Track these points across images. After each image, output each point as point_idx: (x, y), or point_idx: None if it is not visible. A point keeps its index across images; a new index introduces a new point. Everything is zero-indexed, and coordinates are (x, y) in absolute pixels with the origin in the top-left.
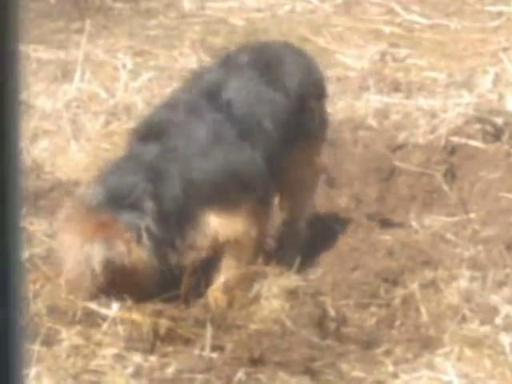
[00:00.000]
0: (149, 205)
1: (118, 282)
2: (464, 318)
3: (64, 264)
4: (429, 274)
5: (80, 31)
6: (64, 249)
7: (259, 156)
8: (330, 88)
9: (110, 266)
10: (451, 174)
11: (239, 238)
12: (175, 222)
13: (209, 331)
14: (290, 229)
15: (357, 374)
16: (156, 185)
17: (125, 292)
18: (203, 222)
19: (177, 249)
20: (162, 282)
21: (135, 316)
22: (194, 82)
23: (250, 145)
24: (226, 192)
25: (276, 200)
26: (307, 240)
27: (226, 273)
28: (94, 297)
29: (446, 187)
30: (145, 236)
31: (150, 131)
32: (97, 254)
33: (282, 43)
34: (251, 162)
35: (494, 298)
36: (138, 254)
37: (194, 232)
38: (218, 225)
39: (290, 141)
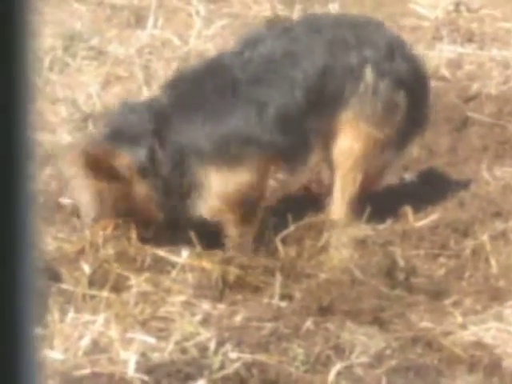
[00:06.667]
0: (148, 141)
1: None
2: None
3: (75, 197)
4: (499, 225)
5: None
6: (73, 183)
7: (271, 112)
8: (403, 37)
9: (114, 195)
10: None
11: (238, 196)
12: (174, 168)
13: (278, 280)
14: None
15: (425, 324)
16: (158, 126)
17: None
18: (201, 176)
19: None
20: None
21: (204, 263)
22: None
23: (256, 111)
24: (227, 147)
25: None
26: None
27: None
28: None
29: None
30: (144, 169)
31: (170, 84)
32: (100, 184)
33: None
34: (257, 117)
35: None
36: (139, 185)
37: (191, 184)
38: (216, 182)
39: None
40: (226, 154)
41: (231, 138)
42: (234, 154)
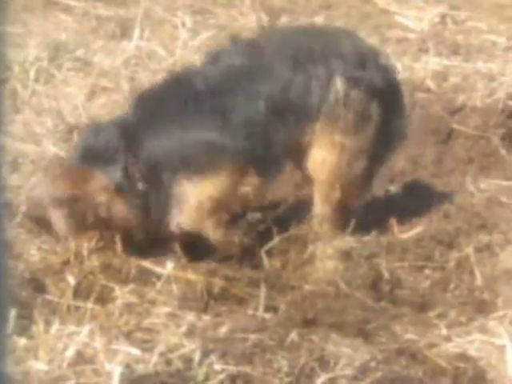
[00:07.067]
0: (121, 158)
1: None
2: None
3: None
4: (484, 237)
5: None
6: (48, 205)
7: (237, 122)
8: (389, 49)
9: (91, 216)
10: (509, 138)
11: (211, 204)
12: (148, 183)
13: (262, 291)
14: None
15: (410, 336)
16: (129, 143)
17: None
18: (174, 186)
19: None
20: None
21: (189, 275)
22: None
23: (219, 122)
24: (198, 156)
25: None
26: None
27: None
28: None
29: (503, 151)
30: (120, 188)
31: (136, 100)
32: (78, 206)
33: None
34: (223, 127)
35: None
36: (117, 204)
37: (167, 198)
38: (189, 190)
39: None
40: (195, 164)
41: (199, 148)
42: (203, 164)
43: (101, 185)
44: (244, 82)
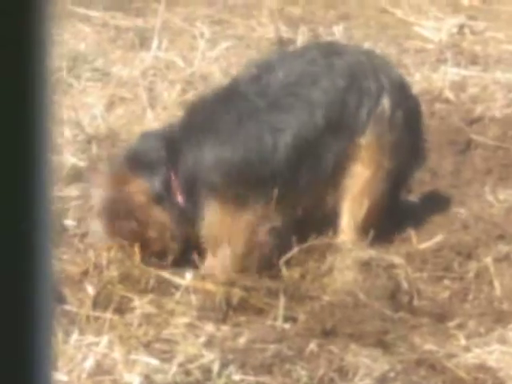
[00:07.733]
0: (160, 169)
1: (140, 238)
2: None
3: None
4: (503, 248)
5: None
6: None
7: (285, 152)
8: (408, 60)
9: (126, 216)
10: None
11: (235, 238)
12: (183, 194)
13: (281, 302)
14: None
15: (429, 347)
16: (173, 154)
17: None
18: (204, 207)
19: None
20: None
21: (208, 285)
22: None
23: (273, 139)
24: (236, 184)
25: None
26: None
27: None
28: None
29: None
30: (159, 196)
31: (186, 111)
32: (117, 205)
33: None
34: (271, 157)
35: None
36: (154, 212)
37: (194, 213)
38: (216, 217)
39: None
40: (234, 190)
41: (242, 173)
42: (242, 193)
43: (139, 191)
44: (299, 96)
